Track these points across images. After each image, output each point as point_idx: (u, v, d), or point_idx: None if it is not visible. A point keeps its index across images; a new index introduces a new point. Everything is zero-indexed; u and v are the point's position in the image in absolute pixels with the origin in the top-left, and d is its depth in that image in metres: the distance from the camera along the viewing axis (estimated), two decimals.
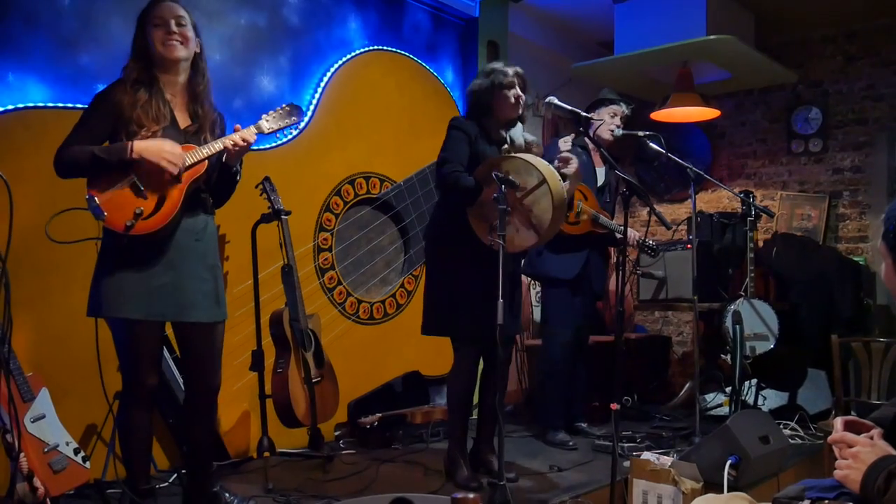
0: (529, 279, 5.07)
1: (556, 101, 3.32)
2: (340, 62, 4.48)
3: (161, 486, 3.17)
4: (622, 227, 3.26)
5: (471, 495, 1.98)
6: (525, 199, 3.14)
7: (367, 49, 4.64)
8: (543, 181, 3.10)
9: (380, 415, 4.17)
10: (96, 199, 2.51)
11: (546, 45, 6.11)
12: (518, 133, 3.41)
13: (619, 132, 4.20)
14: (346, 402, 4.21)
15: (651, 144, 3.87)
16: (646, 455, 3.23)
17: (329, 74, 4.41)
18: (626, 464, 3.27)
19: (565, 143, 3.71)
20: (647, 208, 3.63)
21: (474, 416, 3.64)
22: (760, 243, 5.81)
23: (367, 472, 3.50)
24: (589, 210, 4.20)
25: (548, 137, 5.92)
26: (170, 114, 2.68)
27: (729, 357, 4.57)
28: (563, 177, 3.28)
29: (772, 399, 5.04)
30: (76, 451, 2.95)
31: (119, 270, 2.58)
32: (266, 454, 3.38)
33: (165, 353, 3.41)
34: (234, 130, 2.75)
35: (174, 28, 2.65)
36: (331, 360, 3.87)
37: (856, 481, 1.56)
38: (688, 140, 6.57)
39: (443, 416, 4.35)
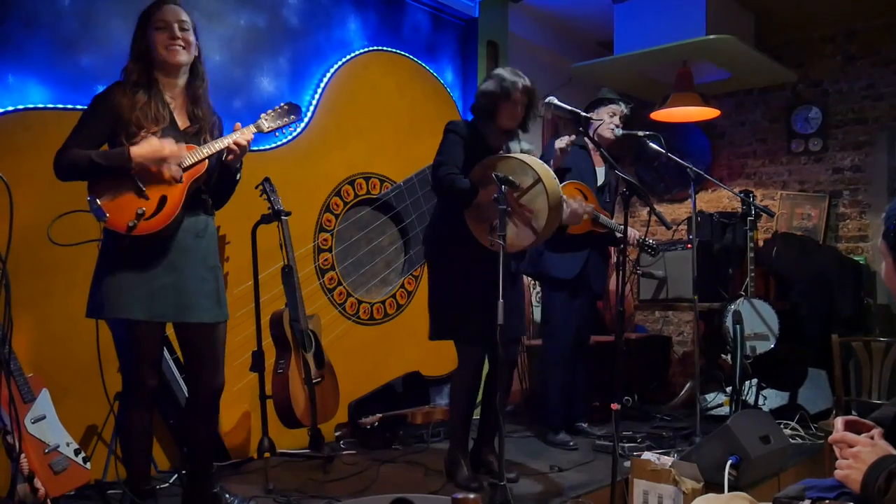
0: (529, 279, 5.07)
1: (555, 101, 3.32)
2: (340, 63, 4.48)
3: (161, 486, 3.17)
4: (622, 227, 3.26)
5: (471, 496, 1.98)
6: (522, 199, 3.15)
7: (366, 50, 4.64)
8: (539, 180, 3.10)
9: (380, 415, 4.17)
10: (98, 200, 2.51)
11: (546, 45, 6.11)
12: (515, 146, 3.40)
13: (619, 132, 4.20)
14: (347, 403, 4.21)
15: (651, 144, 3.87)
16: (646, 455, 3.23)
17: (329, 75, 4.41)
18: (627, 464, 3.27)
19: (561, 141, 3.70)
20: (647, 208, 3.63)
21: (476, 417, 3.64)
22: (761, 243, 5.81)
23: (367, 473, 3.50)
24: (589, 209, 4.19)
25: (548, 137, 5.92)
26: (169, 115, 2.68)
27: (729, 357, 4.57)
28: (560, 178, 3.28)
29: (772, 399, 5.03)
30: (77, 452, 2.95)
31: (120, 271, 2.58)
32: (266, 455, 3.38)
33: (166, 353, 3.41)
34: (234, 129, 2.76)
35: (177, 33, 2.65)
36: (331, 361, 3.87)
37: (856, 481, 1.56)
38: (688, 140, 6.57)
39: (443, 416, 4.35)
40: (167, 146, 2.57)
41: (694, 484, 2.99)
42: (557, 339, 4.26)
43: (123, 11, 3.37)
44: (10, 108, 3.14)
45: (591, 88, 4.78)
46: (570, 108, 3.31)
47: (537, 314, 5.52)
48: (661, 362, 6.17)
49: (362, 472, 3.51)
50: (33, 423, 2.85)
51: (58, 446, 2.90)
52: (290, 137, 4.19)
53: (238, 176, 2.86)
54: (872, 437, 1.63)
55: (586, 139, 3.69)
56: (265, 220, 3.64)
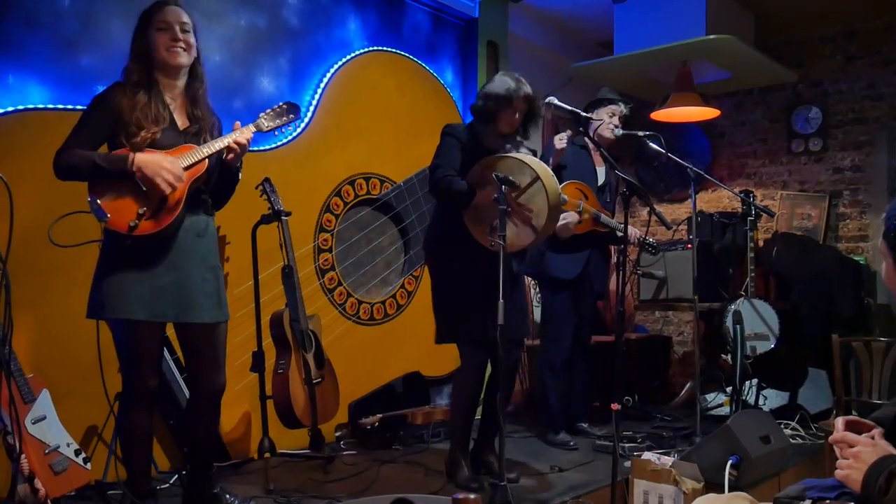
0: (529, 280, 5.07)
1: (555, 101, 3.32)
2: (340, 63, 4.48)
3: (162, 487, 3.17)
4: (623, 226, 3.26)
5: (472, 496, 1.98)
6: (520, 198, 3.14)
7: (366, 50, 4.64)
8: (537, 178, 3.10)
9: (380, 415, 4.17)
10: (98, 200, 2.51)
11: (546, 45, 6.11)
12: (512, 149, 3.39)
13: (619, 132, 4.20)
14: (347, 403, 4.21)
15: (651, 144, 3.87)
16: (647, 455, 3.23)
17: (329, 75, 4.41)
18: (627, 464, 3.27)
19: (560, 140, 3.70)
20: (648, 208, 3.63)
21: (477, 417, 3.64)
22: (761, 243, 5.81)
23: (367, 473, 3.50)
24: (590, 209, 4.19)
25: (548, 137, 5.91)
26: (169, 116, 2.68)
27: (729, 357, 4.57)
28: (556, 176, 3.28)
29: (772, 399, 5.03)
30: (77, 453, 2.95)
31: (121, 271, 2.57)
32: (267, 455, 3.38)
33: (166, 353, 3.41)
34: (234, 129, 2.76)
35: (179, 35, 2.65)
36: (331, 361, 3.88)
37: (857, 481, 1.56)
38: (688, 140, 6.57)
39: (443, 416, 4.35)
40: (168, 162, 2.57)
41: (694, 484, 2.99)
42: (557, 339, 4.26)
43: (123, 11, 3.36)
44: (11, 109, 3.14)
45: (592, 88, 4.78)
46: (570, 108, 3.31)
47: (537, 314, 5.52)
48: (662, 362, 6.17)
49: (362, 473, 3.51)
50: (34, 423, 2.85)
51: (58, 447, 2.89)
52: (290, 137, 4.19)
53: (239, 175, 2.86)
54: (873, 437, 1.63)
55: (586, 139, 3.69)
56: (265, 220, 3.64)
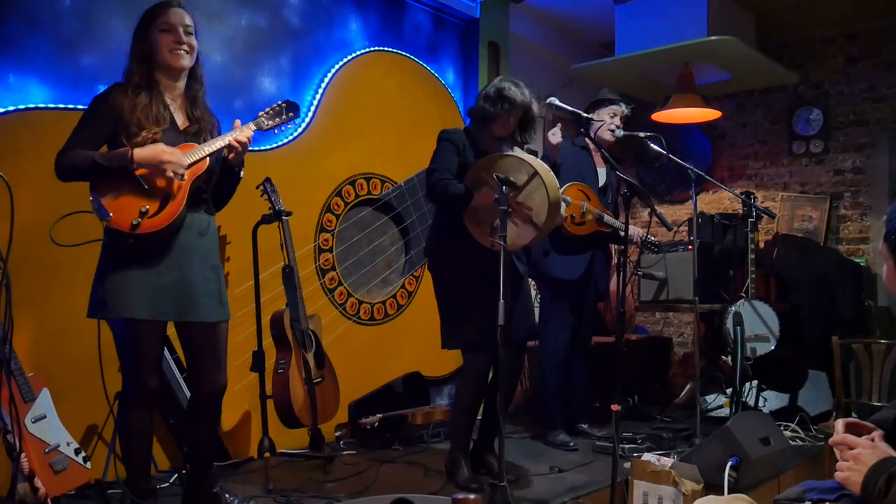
0: (531, 280, 5.06)
1: (556, 101, 3.33)
2: (341, 63, 4.48)
3: (161, 486, 3.17)
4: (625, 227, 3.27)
5: (471, 496, 1.98)
6: (519, 196, 3.14)
7: (367, 50, 4.64)
8: (535, 173, 3.10)
9: (380, 415, 4.17)
10: (101, 199, 2.51)
11: (547, 45, 6.11)
12: (508, 148, 3.40)
13: (620, 133, 4.20)
14: (347, 403, 4.21)
15: (652, 145, 3.87)
16: (646, 456, 3.23)
17: (330, 75, 4.41)
18: (627, 465, 3.27)
19: (553, 135, 3.70)
20: (649, 209, 3.63)
21: (478, 417, 3.64)
22: (761, 244, 5.81)
23: (367, 473, 3.50)
24: (593, 210, 4.20)
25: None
26: (169, 116, 2.69)
27: (730, 358, 4.57)
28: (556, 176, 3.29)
29: (772, 400, 5.03)
30: (77, 452, 2.95)
31: (123, 270, 2.57)
32: (266, 455, 3.38)
33: (166, 353, 3.41)
34: (234, 127, 2.76)
35: (183, 37, 2.66)
36: (331, 361, 3.88)
37: (857, 483, 1.56)
38: (689, 141, 6.58)
39: (443, 416, 4.35)
40: (168, 151, 2.57)
41: (694, 485, 2.99)
42: (557, 339, 4.26)
43: (124, 11, 3.37)
44: (11, 108, 3.15)
45: (592, 89, 4.78)
46: (571, 108, 3.32)
47: (537, 315, 5.52)
48: (662, 363, 6.17)
49: (362, 473, 3.51)
50: (34, 422, 2.85)
51: (58, 446, 2.89)
52: (290, 137, 4.20)
53: (241, 174, 2.86)
54: (873, 440, 1.63)
55: (587, 140, 3.69)
56: (266, 220, 3.64)
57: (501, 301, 2.84)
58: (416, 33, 5.01)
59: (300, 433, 3.87)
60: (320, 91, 4.36)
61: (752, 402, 4.68)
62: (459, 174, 3.28)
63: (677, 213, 6.79)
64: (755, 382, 4.75)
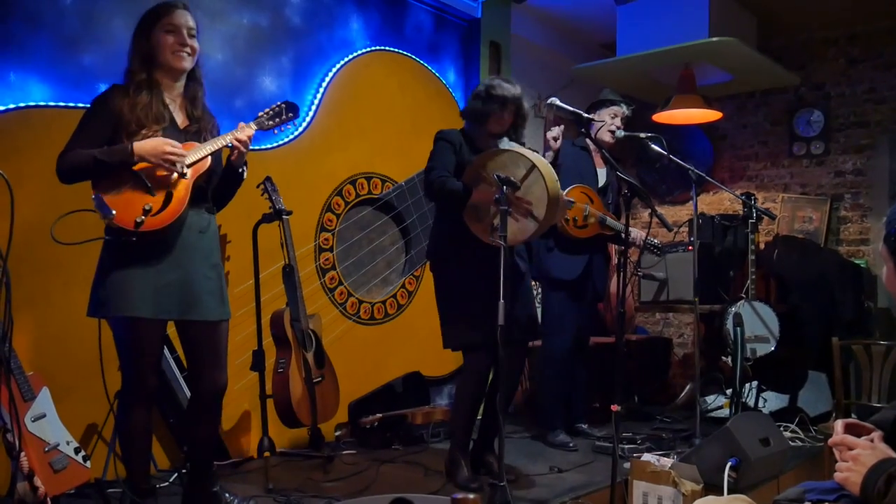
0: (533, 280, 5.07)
1: (557, 102, 3.33)
2: (342, 62, 4.48)
3: (161, 485, 3.17)
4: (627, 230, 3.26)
5: (471, 496, 1.98)
6: (518, 190, 3.13)
7: (368, 49, 4.64)
8: (533, 167, 3.10)
9: (380, 415, 4.17)
10: (103, 197, 2.51)
11: (548, 45, 6.12)
12: (504, 143, 3.41)
13: (621, 133, 4.20)
14: (347, 403, 4.21)
15: (653, 146, 3.87)
16: (646, 456, 3.23)
17: (331, 75, 4.42)
18: (627, 465, 3.27)
19: (552, 136, 3.70)
20: (649, 210, 3.63)
21: (478, 417, 3.64)
22: (762, 245, 5.81)
23: (367, 473, 3.50)
24: (596, 213, 4.20)
25: None
26: (169, 116, 2.70)
27: (730, 359, 4.57)
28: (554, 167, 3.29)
29: (772, 401, 5.03)
30: (77, 451, 2.95)
31: (124, 269, 2.57)
32: (266, 454, 3.38)
33: (166, 352, 3.41)
34: (238, 128, 2.77)
35: (186, 39, 2.67)
36: (331, 361, 3.88)
37: (856, 484, 1.56)
38: (689, 142, 6.57)
39: (443, 416, 4.35)
40: (169, 143, 2.58)
41: (693, 486, 2.99)
42: (557, 339, 4.26)
43: (125, 10, 3.37)
44: (12, 106, 3.15)
45: (594, 90, 4.78)
46: (571, 108, 3.32)
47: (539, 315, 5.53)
48: (662, 364, 6.17)
49: (362, 472, 3.51)
50: (33, 421, 2.85)
51: (58, 445, 2.90)
52: (291, 137, 4.20)
53: (244, 174, 2.87)
54: (872, 441, 1.63)
55: (587, 140, 3.69)
56: (266, 219, 3.64)
57: (501, 301, 2.84)
58: (417, 33, 5.01)
59: (300, 433, 3.87)
60: (321, 90, 4.37)
61: (751, 403, 4.68)
62: (457, 173, 3.28)
63: (678, 213, 6.79)
64: (755, 383, 4.75)
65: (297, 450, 3.89)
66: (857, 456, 1.59)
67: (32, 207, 2.98)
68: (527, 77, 5.81)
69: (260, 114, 2.90)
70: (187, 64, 2.71)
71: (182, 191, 2.62)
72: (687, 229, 5.62)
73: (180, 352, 3.41)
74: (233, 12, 4.00)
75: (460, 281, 3.30)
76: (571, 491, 3.26)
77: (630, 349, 5.56)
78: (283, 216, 3.61)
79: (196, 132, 2.75)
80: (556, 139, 3.58)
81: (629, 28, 5.59)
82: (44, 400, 2.92)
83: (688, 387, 5.70)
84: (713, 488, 3.03)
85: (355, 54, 4.56)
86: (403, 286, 4.81)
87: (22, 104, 3.18)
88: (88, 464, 2.99)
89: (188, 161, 2.62)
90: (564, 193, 3.85)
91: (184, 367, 3.40)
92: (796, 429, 4.46)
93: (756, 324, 4.57)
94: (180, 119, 2.74)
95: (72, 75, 3.37)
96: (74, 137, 2.60)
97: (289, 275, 3.62)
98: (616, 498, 2.98)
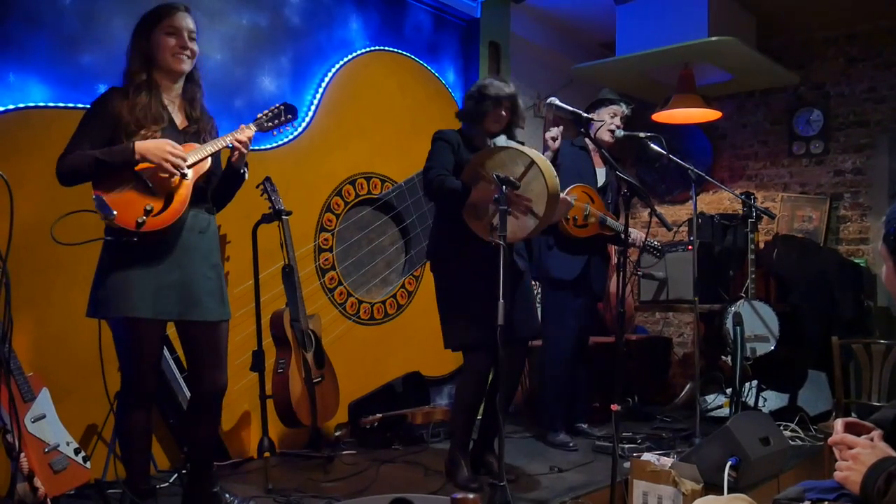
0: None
1: (557, 101, 3.33)
2: (341, 62, 4.48)
3: (161, 486, 3.17)
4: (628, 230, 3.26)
5: (471, 496, 1.98)
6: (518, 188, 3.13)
7: (368, 49, 4.64)
8: (532, 162, 3.09)
9: (380, 415, 4.17)
10: (104, 198, 2.51)
11: (547, 45, 6.11)
12: (502, 140, 3.41)
13: (620, 133, 4.19)
14: (347, 403, 4.21)
15: (652, 146, 3.87)
16: (646, 456, 3.23)
17: (330, 75, 4.41)
18: (627, 465, 3.27)
19: (552, 137, 3.70)
20: (649, 209, 3.63)
21: (479, 417, 3.64)
22: (761, 245, 5.81)
23: (367, 473, 3.50)
24: (596, 213, 4.20)
25: None
26: (168, 116, 2.70)
27: (729, 358, 4.57)
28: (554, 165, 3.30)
29: (772, 400, 5.03)
30: (77, 451, 2.95)
31: (124, 269, 2.57)
32: (266, 454, 3.38)
33: (166, 353, 3.41)
34: (240, 130, 2.78)
35: (187, 42, 2.68)
36: (331, 361, 3.88)
37: (856, 483, 1.56)
38: (689, 141, 6.58)
39: (443, 416, 4.35)
40: (170, 144, 2.58)
41: (693, 485, 2.99)
42: (557, 339, 4.26)
43: (125, 10, 3.37)
44: (12, 107, 3.15)
45: (593, 89, 4.78)
46: (571, 108, 3.32)
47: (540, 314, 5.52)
48: (662, 363, 6.17)
49: (362, 472, 3.51)
50: (33, 422, 2.85)
51: (58, 445, 2.89)
52: (291, 137, 4.20)
53: (245, 175, 2.87)
54: (872, 439, 1.63)
55: (587, 140, 3.69)
56: (266, 219, 3.64)
57: (501, 301, 2.84)
58: (416, 33, 5.01)
59: (300, 433, 3.87)
60: (321, 90, 4.37)
61: (751, 402, 4.68)
62: (456, 173, 3.28)
63: (677, 213, 6.79)
64: (755, 382, 4.75)
65: (297, 450, 3.89)
66: (856, 455, 1.59)
67: (32, 208, 2.98)
68: (526, 77, 5.81)
69: (259, 115, 2.91)
70: (186, 67, 2.71)
71: (183, 191, 2.62)
72: (686, 229, 5.62)
73: (180, 352, 3.41)
74: (232, 12, 4.00)
75: (460, 281, 3.30)
76: (571, 490, 3.26)
77: (630, 349, 5.56)
78: (283, 216, 3.61)
79: (195, 133, 2.75)
80: (554, 139, 3.57)
81: (628, 28, 5.59)
82: (44, 401, 2.92)
83: (688, 386, 5.70)
84: (713, 488, 3.04)
85: (354, 54, 4.56)
86: (403, 286, 4.81)
87: (21, 105, 3.17)
88: (88, 464, 2.99)
89: (189, 161, 2.63)
90: (566, 192, 3.85)
91: (184, 367, 3.40)
92: (796, 428, 4.47)
93: (756, 323, 4.57)
94: (179, 120, 2.75)
95: (71, 76, 3.37)
96: (74, 140, 2.60)
97: (288, 275, 3.62)
98: (616, 497, 2.98)
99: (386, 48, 4.75)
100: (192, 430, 2.87)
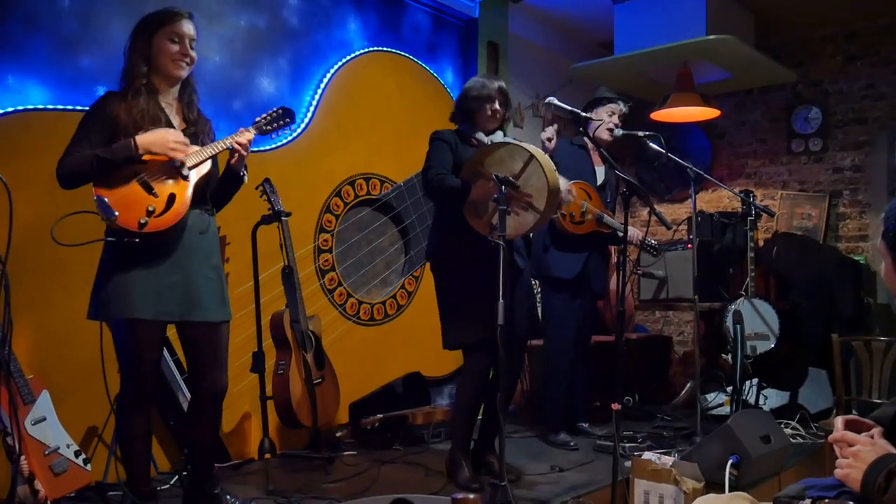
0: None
1: (556, 101, 3.33)
2: (340, 63, 4.48)
3: (162, 487, 3.18)
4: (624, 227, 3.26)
5: (471, 496, 1.98)
6: (518, 183, 3.12)
7: (366, 50, 4.64)
8: (531, 157, 3.09)
9: (381, 416, 4.17)
10: (106, 198, 2.51)
11: (546, 45, 6.12)
12: (498, 137, 3.42)
13: (619, 132, 4.19)
14: (347, 404, 4.21)
15: (651, 144, 3.87)
16: (647, 455, 3.22)
17: (329, 75, 4.42)
18: (628, 464, 3.26)
19: (547, 137, 3.70)
20: (648, 208, 3.62)
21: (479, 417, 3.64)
22: (761, 243, 5.81)
23: (367, 473, 3.50)
24: (593, 210, 4.19)
25: None
26: (165, 118, 2.71)
27: (730, 357, 4.57)
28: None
29: (773, 398, 5.03)
30: (77, 454, 2.95)
31: (126, 271, 2.57)
32: (267, 455, 3.38)
33: (166, 354, 3.41)
34: (239, 133, 2.79)
35: (189, 50, 2.69)
36: (331, 362, 3.88)
37: (856, 480, 1.56)
38: (688, 140, 6.58)
39: (444, 416, 4.35)
40: (172, 132, 2.59)
41: (695, 484, 2.98)
42: (558, 339, 4.25)
43: (123, 12, 3.38)
44: (10, 109, 3.15)
45: (591, 89, 4.78)
46: (569, 108, 3.32)
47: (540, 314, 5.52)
48: (662, 362, 6.17)
49: (363, 473, 3.51)
50: (33, 424, 2.85)
51: (58, 448, 2.89)
52: (290, 138, 4.20)
53: (245, 178, 2.88)
54: (872, 437, 1.63)
55: (585, 139, 3.68)
56: (265, 220, 3.64)
57: (501, 301, 2.84)
58: (415, 33, 5.01)
59: (300, 434, 3.87)
60: (319, 91, 4.37)
61: (752, 401, 4.68)
62: (455, 172, 3.28)
63: (676, 211, 6.79)
64: (755, 380, 4.75)
65: (298, 451, 3.88)
66: (857, 452, 1.58)
67: (32, 210, 2.98)
68: (525, 76, 5.82)
69: (257, 119, 2.91)
70: (185, 73, 2.74)
71: (185, 192, 2.63)
72: (686, 227, 5.62)
73: (180, 354, 3.40)
74: (230, 14, 4.00)
75: (460, 281, 3.30)
76: (572, 490, 3.26)
77: (630, 348, 5.55)
78: (282, 217, 3.61)
79: (193, 135, 2.76)
80: (549, 139, 3.57)
81: (627, 27, 5.59)
82: (44, 403, 2.92)
83: (688, 385, 5.70)
84: (714, 486, 3.03)
85: (353, 55, 4.56)
86: (403, 287, 4.81)
87: (20, 107, 3.17)
88: (89, 467, 2.99)
89: (190, 163, 2.63)
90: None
91: (184, 369, 3.40)
92: (797, 426, 4.47)
93: (756, 321, 4.57)
94: (177, 122, 2.75)
95: (70, 77, 3.37)
96: (73, 143, 2.60)
97: (288, 276, 3.62)
98: (617, 497, 2.98)
99: (384, 49, 4.75)
100: (193, 432, 2.87)
